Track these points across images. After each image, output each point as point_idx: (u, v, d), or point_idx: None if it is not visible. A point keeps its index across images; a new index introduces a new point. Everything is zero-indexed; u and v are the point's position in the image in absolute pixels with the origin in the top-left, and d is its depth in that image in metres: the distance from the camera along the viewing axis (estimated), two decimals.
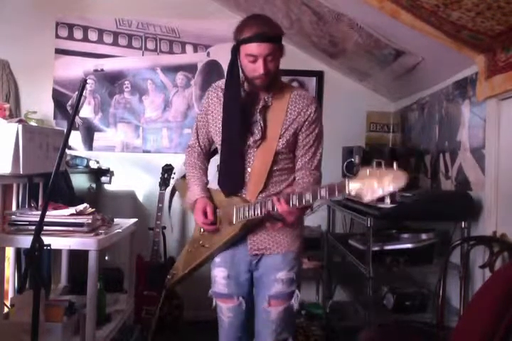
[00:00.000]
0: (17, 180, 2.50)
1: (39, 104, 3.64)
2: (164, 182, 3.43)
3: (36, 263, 1.72)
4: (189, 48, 3.82)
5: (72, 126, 1.75)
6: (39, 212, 1.73)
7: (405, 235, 2.72)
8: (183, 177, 2.17)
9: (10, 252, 2.56)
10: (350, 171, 3.37)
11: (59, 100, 3.75)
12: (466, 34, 2.14)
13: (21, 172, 2.23)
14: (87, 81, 3.69)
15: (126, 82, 3.80)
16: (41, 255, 1.72)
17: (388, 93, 3.83)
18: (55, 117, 3.75)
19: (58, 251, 2.85)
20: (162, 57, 3.81)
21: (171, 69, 3.81)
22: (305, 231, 2.25)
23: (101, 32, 3.77)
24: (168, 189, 3.44)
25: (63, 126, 3.59)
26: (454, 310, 2.46)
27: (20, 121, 2.40)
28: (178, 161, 3.64)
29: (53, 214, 2.19)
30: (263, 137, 1.86)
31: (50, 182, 1.71)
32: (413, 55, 2.76)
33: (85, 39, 3.77)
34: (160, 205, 3.36)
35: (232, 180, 1.90)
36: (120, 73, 3.79)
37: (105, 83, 3.78)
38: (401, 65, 2.97)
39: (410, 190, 2.73)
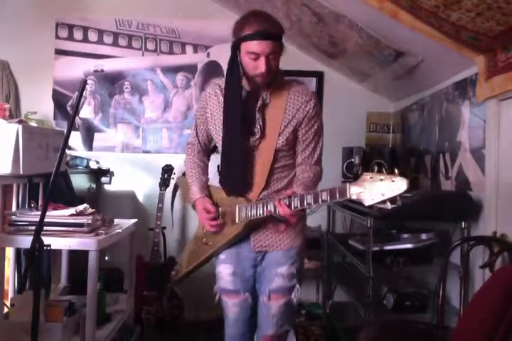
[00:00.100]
0: (17, 180, 2.50)
1: (39, 105, 3.65)
2: (164, 183, 3.43)
3: (36, 264, 1.72)
4: (189, 49, 3.82)
5: (72, 127, 1.74)
6: (39, 213, 1.73)
7: (405, 235, 2.73)
8: (184, 174, 2.18)
9: (10, 252, 2.56)
10: (350, 171, 3.37)
11: (59, 100, 3.75)
12: (466, 35, 2.14)
13: (21, 173, 2.23)
14: (87, 81, 3.69)
15: (126, 83, 3.80)
16: (41, 255, 1.72)
17: (388, 93, 3.83)
18: (55, 118, 3.75)
19: (58, 252, 2.85)
20: (162, 58, 3.81)
21: (171, 70, 3.81)
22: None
23: (101, 32, 3.78)
24: (169, 189, 3.45)
25: (63, 127, 3.60)
26: (454, 310, 2.46)
27: (20, 122, 2.40)
28: (178, 161, 3.63)
29: (53, 215, 2.19)
30: (262, 135, 1.86)
31: (50, 182, 1.70)
32: (413, 55, 2.77)
33: (85, 39, 3.77)
34: (160, 205, 3.36)
35: (234, 180, 1.90)
36: (120, 74, 3.79)
37: (105, 83, 3.78)
38: (401, 66, 2.97)
39: (410, 191, 2.73)
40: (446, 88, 2.88)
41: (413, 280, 2.99)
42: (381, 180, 1.42)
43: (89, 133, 3.79)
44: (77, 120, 3.75)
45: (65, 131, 1.73)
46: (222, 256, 1.98)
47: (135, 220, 2.85)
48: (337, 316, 3.48)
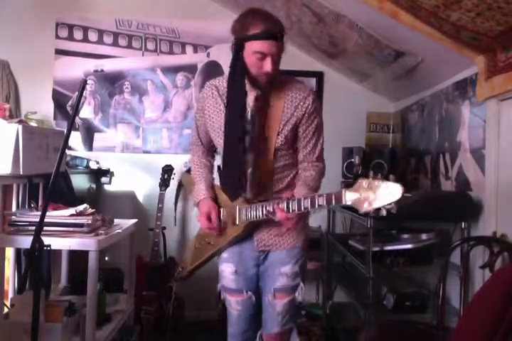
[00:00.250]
0: (17, 180, 2.50)
1: (39, 105, 3.65)
2: (164, 183, 3.43)
3: (36, 264, 1.72)
4: (189, 49, 3.82)
5: (72, 127, 1.74)
6: (39, 213, 1.73)
7: (405, 235, 2.73)
8: (188, 171, 2.18)
9: (10, 252, 2.56)
10: (350, 172, 3.37)
11: (59, 100, 3.75)
12: (466, 35, 2.14)
13: (21, 173, 2.23)
14: (87, 81, 3.69)
15: (126, 83, 3.80)
16: (41, 255, 1.72)
17: (388, 93, 3.83)
18: (55, 118, 3.75)
19: (58, 252, 2.85)
20: (162, 58, 3.81)
21: (171, 70, 3.81)
22: None
23: (101, 32, 3.77)
24: (169, 189, 3.45)
25: (63, 127, 3.60)
26: (454, 310, 2.46)
27: (20, 122, 2.40)
28: (178, 162, 3.65)
29: (53, 215, 2.19)
30: (261, 136, 1.85)
31: (50, 182, 1.70)
32: (413, 55, 2.77)
33: (85, 39, 3.77)
34: (160, 206, 3.36)
35: (235, 184, 1.88)
36: (120, 74, 3.79)
37: (105, 83, 3.78)
38: (401, 66, 2.97)
39: (410, 191, 2.73)
40: (446, 88, 2.88)
41: (413, 280, 2.99)
42: (376, 186, 1.44)
43: (89, 133, 3.79)
44: (77, 120, 3.74)
45: (65, 131, 1.73)
46: (224, 255, 1.99)
47: (135, 220, 2.85)
48: (337, 316, 3.48)
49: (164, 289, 3.20)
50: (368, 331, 2.32)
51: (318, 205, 1.63)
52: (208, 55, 3.81)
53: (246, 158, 1.86)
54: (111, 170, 3.73)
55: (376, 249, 2.61)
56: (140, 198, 3.80)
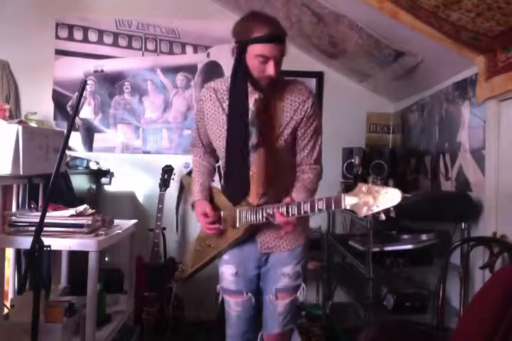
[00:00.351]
0: (17, 180, 2.50)
1: (39, 105, 3.65)
2: (164, 183, 3.43)
3: (36, 264, 1.72)
4: (189, 49, 3.82)
5: (72, 127, 1.74)
6: (39, 213, 1.73)
7: (405, 236, 2.73)
8: (189, 173, 2.18)
9: (10, 253, 2.56)
10: (350, 172, 3.37)
11: (59, 101, 3.75)
12: (465, 35, 2.14)
13: (21, 173, 2.23)
14: (87, 82, 3.69)
15: (126, 83, 3.80)
16: (41, 256, 1.72)
17: (388, 94, 3.83)
18: (55, 118, 3.75)
19: (58, 252, 2.85)
20: (162, 58, 3.81)
21: (171, 70, 3.81)
22: None
23: (101, 33, 3.78)
24: (169, 190, 3.45)
25: (63, 127, 3.60)
26: (454, 310, 2.46)
27: (20, 122, 2.40)
28: (178, 162, 3.66)
29: (53, 215, 2.19)
30: (261, 139, 1.83)
31: (50, 183, 1.70)
32: (413, 55, 2.77)
33: (85, 40, 3.77)
34: (160, 206, 3.36)
35: (238, 190, 1.88)
36: (120, 74, 3.79)
37: (105, 84, 3.78)
38: (401, 66, 2.97)
39: (410, 191, 2.73)
40: (446, 88, 2.88)
41: (413, 281, 2.98)
42: (376, 191, 1.46)
43: (89, 133, 3.79)
44: (77, 120, 3.75)
45: (65, 132, 1.73)
46: (225, 257, 1.99)
47: (135, 221, 2.85)
48: (337, 317, 3.48)
49: (164, 290, 3.20)
50: (368, 331, 2.32)
51: (318, 209, 1.64)
52: (208, 55, 3.81)
53: (249, 164, 1.84)
54: (111, 170, 3.73)
55: (376, 249, 2.61)
56: (140, 199, 3.80)
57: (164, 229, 3.40)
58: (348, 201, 1.52)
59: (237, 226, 1.88)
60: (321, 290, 3.76)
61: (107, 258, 3.36)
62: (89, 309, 2.18)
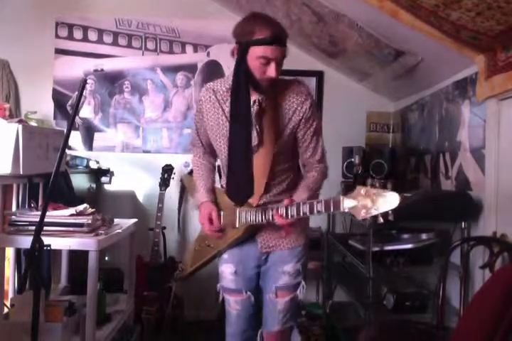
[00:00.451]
0: (17, 180, 2.50)
1: (39, 104, 3.65)
2: (164, 183, 3.43)
3: (36, 264, 1.72)
4: (189, 48, 3.82)
5: (72, 126, 1.74)
6: (39, 213, 1.73)
7: (405, 235, 2.73)
8: (190, 173, 2.19)
9: (10, 252, 2.56)
10: (350, 171, 3.37)
11: (59, 100, 3.75)
12: (465, 34, 2.14)
13: (21, 173, 2.23)
14: (87, 81, 3.69)
15: (126, 82, 3.80)
16: (41, 255, 1.72)
17: (388, 93, 3.83)
18: (55, 117, 3.75)
19: (58, 252, 2.85)
20: (162, 57, 3.81)
21: (171, 69, 3.81)
22: None
23: (101, 32, 3.77)
24: (169, 189, 3.45)
25: (63, 126, 3.60)
26: (454, 310, 2.46)
27: (20, 122, 2.40)
28: (178, 161, 3.66)
29: (53, 215, 2.19)
30: (260, 140, 1.84)
31: (50, 182, 1.70)
32: (413, 55, 2.76)
33: (85, 39, 3.77)
34: (160, 205, 3.36)
35: (242, 191, 1.88)
36: (120, 73, 3.79)
37: (105, 83, 3.78)
38: (401, 65, 2.97)
39: (410, 190, 2.73)
40: (446, 87, 2.88)
41: (413, 280, 2.99)
42: (374, 194, 1.47)
43: (89, 133, 3.79)
44: (77, 120, 3.74)
45: (65, 131, 1.73)
46: (225, 256, 2.00)
47: (135, 220, 2.85)
48: (337, 316, 3.48)
49: (164, 289, 3.20)
50: (367, 331, 2.32)
51: (317, 211, 1.65)
52: (208, 54, 3.81)
53: (252, 166, 1.86)
54: (111, 169, 3.72)
55: (376, 248, 2.61)
56: (140, 198, 3.80)
57: (164, 228, 3.39)
58: (347, 204, 1.54)
59: (237, 226, 1.89)
60: (321, 290, 3.76)
61: (106, 258, 3.36)
62: (89, 308, 2.18)
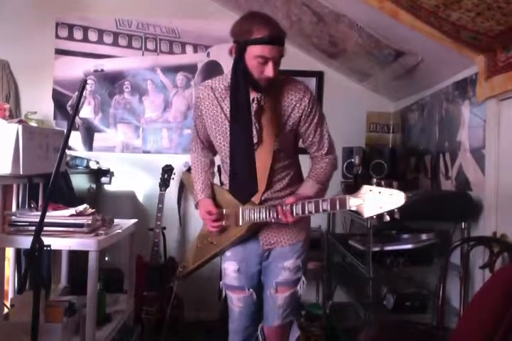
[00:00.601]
0: (17, 180, 2.50)
1: (39, 105, 3.65)
2: (164, 183, 3.43)
3: (36, 264, 1.72)
4: (189, 48, 3.82)
5: (72, 127, 1.74)
6: (39, 213, 1.73)
7: (405, 236, 2.73)
8: (188, 170, 2.20)
9: (10, 253, 2.56)
10: (350, 172, 3.37)
11: (59, 100, 3.75)
12: (466, 34, 2.14)
13: (21, 173, 2.23)
14: (87, 81, 3.69)
15: (126, 83, 3.80)
16: (41, 255, 1.72)
17: (388, 93, 3.83)
18: (55, 117, 3.75)
19: (58, 252, 2.85)
20: (162, 58, 3.81)
21: (171, 70, 3.81)
22: None
23: (101, 32, 3.77)
24: (169, 189, 3.45)
25: (63, 127, 3.60)
26: (454, 310, 2.46)
27: (20, 122, 2.40)
28: (178, 162, 3.65)
29: (53, 215, 2.19)
30: (260, 138, 1.85)
31: (50, 182, 1.70)
32: (413, 55, 2.76)
33: (85, 39, 3.77)
34: (160, 206, 3.35)
35: (246, 188, 1.87)
36: (120, 73, 3.79)
37: (105, 83, 3.78)
38: (401, 66, 2.97)
39: (410, 191, 2.72)
40: (446, 88, 2.88)
41: (413, 280, 2.98)
42: (380, 193, 1.48)
43: (89, 133, 3.79)
44: (77, 120, 3.74)
45: (65, 131, 1.73)
46: (228, 253, 2.02)
47: (135, 220, 2.85)
48: (337, 316, 3.48)
49: (165, 289, 3.20)
50: (367, 331, 2.32)
51: (323, 210, 1.66)
52: (208, 54, 3.81)
53: (255, 163, 1.86)
54: (111, 170, 3.72)
55: (376, 249, 2.61)
56: (140, 198, 3.80)
57: (164, 228, 3.39)
58: (353, 202, 1.55)
59: (240, 224, 1.89)
60: (321, 290, 3.76)
61: (106, 258, 3.36)
62: (89, 309, 2.18)
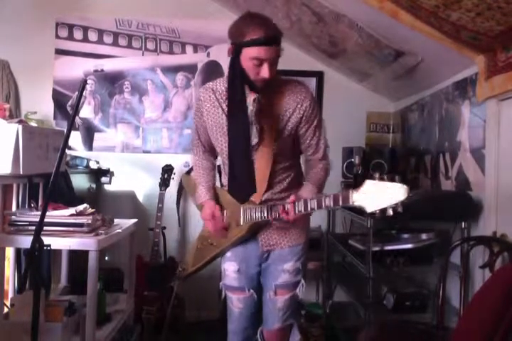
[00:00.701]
0: (17, 180, 2.50)
1: (39, 105, 3.65)
2: (164, 183, 3.43)
3: (36, 264, 1.72)
4: (189, 48, 3.82)
5: (72, 127, 1.74)
6: (39, 213, 1.73)
7: (405, 235, 2.73)
8: (188, 172, 2.20)
9: (10, 252, 2.56)
10: (350, 172, 3.37)
11: (59, 100, 3.75)
12: (466, 34, 2.14)
13: (21, 173, 2.23)
14: (87, 81, 3.69)
15: (126, 83, 3.80)
16: (41, 255, 1.72)
17: (388, 93, 3.83)
18: (55, 117, 3.75)
19: (58, 252, 2.85)
20: (162, 58, 3.81)
21: (171, 70, 3.81)
22: None
23: (101, 32, 3.77)
24: (169, 189, 3.45)
25: (63, 127, 3.60)
26: (454, 310, 2.46)
27: (20, 122, 2.40)
28: (178, 162, 3.66)
29: (53, 215, 2.19)
30: (261, 139, 1.85)
31: (50, 182, 1.70)
32: (413, 55, 2.76)
33: (85, 39, 3.77)
34: (160, 205, 3.36)
35: (245, 189, 1.89)
36: (120, 73, 3.79)
37: (105, 83, 3.78)
38: (401, 66, 2.97)
39: (410, 191, 2.72)
40: (446, 88, 2.88)
41: (413, 280, 2.99)
42: (383, 187, 1.47)
43: (89, 133, 3.79)
44: (77, 120, 3.74)
45: (65, 131, 1.73)
46: (228, 254, 2.01)
47: (135, 220, 2.85)
48: (337, 316, 3.48)
49: (165, 289, 3.20)
50: (367, 331, 2.32)
51: (325, 206, 1.65)
52: (208, 54, 3.81)
53: (253, 163, 1.88)
54: (111, 169, 3.72)
55: (376, 248, 2.61)
56: (140, 198, 3.80)
57: (164, 228, 3.39)
58: (356, 197, 1.53)
59: (241, 224, 1.89)
60: (321, 290, 3.76)
61: (107, 258, 3.36)
62: (89, 308, 2.18)
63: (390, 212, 1.47)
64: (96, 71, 3.77)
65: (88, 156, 3.63)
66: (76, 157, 3.46)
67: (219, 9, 3.71)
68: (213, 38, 3.76)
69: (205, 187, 2.00)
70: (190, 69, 3.82)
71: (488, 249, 2.20)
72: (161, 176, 3.46)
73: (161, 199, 3.37)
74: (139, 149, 3.81)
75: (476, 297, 1.92)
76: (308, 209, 1.70)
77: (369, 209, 1.50)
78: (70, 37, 3.76)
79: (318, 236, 3.56)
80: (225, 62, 3.72)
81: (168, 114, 3.82)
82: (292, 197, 1.76)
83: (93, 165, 3.61)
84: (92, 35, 3.77)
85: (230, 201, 1.94)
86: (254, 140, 1.84)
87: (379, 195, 1.47)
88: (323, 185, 1.96)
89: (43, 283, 2.50)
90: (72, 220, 2.22)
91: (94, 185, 3.57)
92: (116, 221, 2.62)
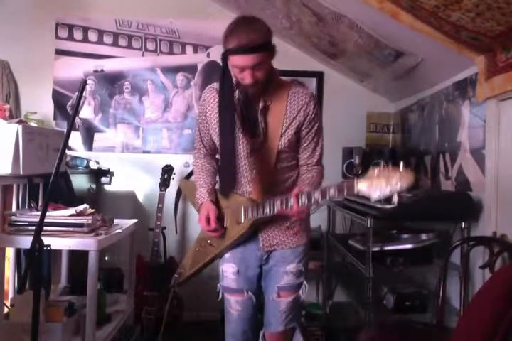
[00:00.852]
0: (17, 180, 2.51)
1: (39, 105, 3.65)
2: (164, 183, 3.43)
3: (36, 264, 1.73)
4: (189, 49, 3.82)
5: (72, 127, 1.75)
6: (39, 213, 1.73)
7: (405, 235, 2.72)
8: (187, 177, 2.19)
9: (10, 252, 2.56)
10: (350, 172, 3.37)
11: (59, 101, 3.75)
12: (465, 35, 2.14)
13: (21, 173, 2.23)
14: (87, 81, 3.69)
15: (126, 83, 3.80)
16: (41, 255, 1.72)
17: (388, 94, 3.83)
18: (55, 118, 3.75)
19: (58, 252, 2.85)
20: (162, 58, 3.81)
21: (171, 70, 3.81)
22: None
23: (101, 32, 3.78)
24: (169, 189, 3.45)
25: (63, 127, 3.60)
26: (454, 310, 2.46)
27: (20, 122, 2.40)
28: (178, 162, 3.66)
29: (53, 215, 2.19)
30: (265, 138, 1.87)
31: (50, 182, 1.71)
32: (413, 55, 2.77)
33: (85, 40, 3.77)
34: (160, 206, 3.36)
35: (227, 180, 1.92)
36: (120, 74, 3.79)
37: (105, 84, 3.78)
38: (401, 66, 2.97)
39: (410, 191, 2.73)
40: (446, 88, 2.88)
41: (413, 280, 2.99)
42: (387, 174, 1.44)
43: (89, 133, 3.79)
44: (77, 120, 3.75)
45: (65, 131, 1.73)
46: (226, 255, 2.00)
47: (135, 220, 2.85)
48: (337, 316, 3.48)
49: (165, 289, 3.20)
50: (367, 331, 2.32)
51: (330, 196, 1.62)
52: (208, 55, 3.81)
53: (250, 160, 1.90)
54: (111, 170, 3.73)
55: (376, 249, 2.61)
56: (140, 198, 3.80)
57: (164, 228, 3.40)
58: (361, 186, 1.50)
59: (242, 221, 1.88)
60: (321, 290, 3.76)
61: (106, 258, 3.36)
62: (89, 308, 2.19)
63: (396, 198, 1.44)
64: (96, 71, 3.77)
65: (88, 156, 3.63)
66: (76, 157, 3.46)
67: (219, 10, 3.72)
68: (213, 38, 3.75)
69: (205, 188, 1.99)
70: (190, 69, 3.82)
71: (488, 249, 2.20)
72: (161, 176, 3.46)
73: (161, 199, 3.37)
74: (139, 149, 3.82)
75: (476, 297, 1.92)
76: (312, 200, 1.67)
77: (374, 197, 1.47)
78: (70, 37, 3.76)
79: (318, 236, 3.56)
80: None
81: (168, 114, 3.82)
82: (296, 190, 1.75)
83: (93, 166, 3.61)
84: (92, 36, 3.77)
85: (230, 201, 1.94)
86: (259, 138, 1.86)
87: (384, 182, 1.44)
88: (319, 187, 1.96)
89: (43, 283, 2.50)
90: (72, 220, 2.22)
91: (94, 186, 3.58)
92: (116, 221, 2.62)
